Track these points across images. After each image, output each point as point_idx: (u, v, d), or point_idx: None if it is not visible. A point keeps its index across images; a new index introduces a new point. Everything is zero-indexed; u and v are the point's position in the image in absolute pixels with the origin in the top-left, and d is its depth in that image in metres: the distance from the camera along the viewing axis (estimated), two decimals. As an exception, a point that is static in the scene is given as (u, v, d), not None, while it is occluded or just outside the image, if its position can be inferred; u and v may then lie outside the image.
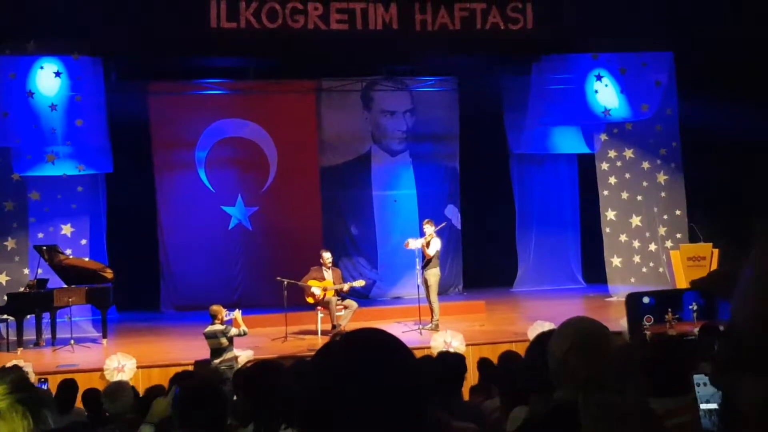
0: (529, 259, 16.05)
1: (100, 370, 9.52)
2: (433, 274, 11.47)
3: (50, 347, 11.32)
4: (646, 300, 5.18)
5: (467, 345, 10.08)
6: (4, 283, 12.17)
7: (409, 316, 12.28)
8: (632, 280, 13.99)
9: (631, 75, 13.69)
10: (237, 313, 9.62)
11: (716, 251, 12.50)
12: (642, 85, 13.68)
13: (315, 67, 14.48)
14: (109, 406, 5.74)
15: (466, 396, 5.79)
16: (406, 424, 1.35)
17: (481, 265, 15.57)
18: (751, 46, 12.44)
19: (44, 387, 7.61)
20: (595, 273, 15.13)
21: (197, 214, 14.70)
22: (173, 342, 11.68)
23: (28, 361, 9.49)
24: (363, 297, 14.13)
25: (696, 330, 4.90)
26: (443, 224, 11.69)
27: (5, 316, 11.31)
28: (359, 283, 12.07)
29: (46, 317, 11.57)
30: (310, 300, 11.50)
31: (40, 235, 12.29)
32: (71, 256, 12.01)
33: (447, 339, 10.16)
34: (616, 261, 14.14)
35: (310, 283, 11.48)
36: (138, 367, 9.61)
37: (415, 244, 11.56)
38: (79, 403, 6.69)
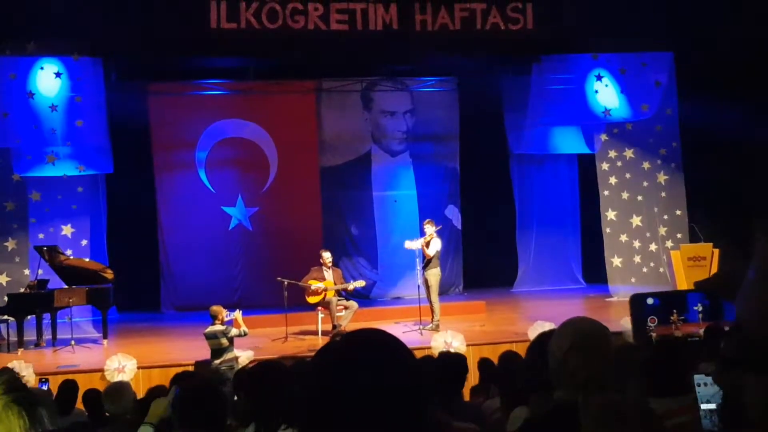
0: (529, 260, 16.05)
1: (101, 370, 9.52)
2: (434, 275, 11.47)
3: (51, 348, 11.32)
4: (650, 301, 5.19)
5: (467, 345, 10.08)
6: (4, 283, 12.17)
7: (409, 317, 12.28)
8: (633, 280, 13.99)
9: (631, 75, 13.69)
10: (237, 314, 9.62)
11: (716, 251, 12.50)
12: (642, 85, 13.68)
13: (315, 68, 14.49)
14: (109, 406, 5.75)
15: (466, 396, 5.80)
16: (406, 424, 1.36)
17: (482, 266, 15.57)
18: (751, 46, 12.43)
19: (45, 387, 7.61)
20: (595, 273, 15.13)
21: (197, 215, 14.70)
22: (174, 342, 11.68)
23: (28, 362, 9.50)
24: (363, 297, 14.13)
25: (701, 331, 4.90)
26: (439, 227, 11.65)
27: (6, 317, 11.31)
28: (359, 283, 12.07)
29: (47, 318, 11.57)
30: (310, 300, 11.50)
31: (41, 236, 12.29)
32: (72, 257, 12.01)
33: (447, 339, 10.16)
34: (617, 261, 14.14)
35: (311, 282, 11.48)
36: (138, 368, 9.61)
37: (413, 244, 11.55)
38: (79, 404, 6.68)
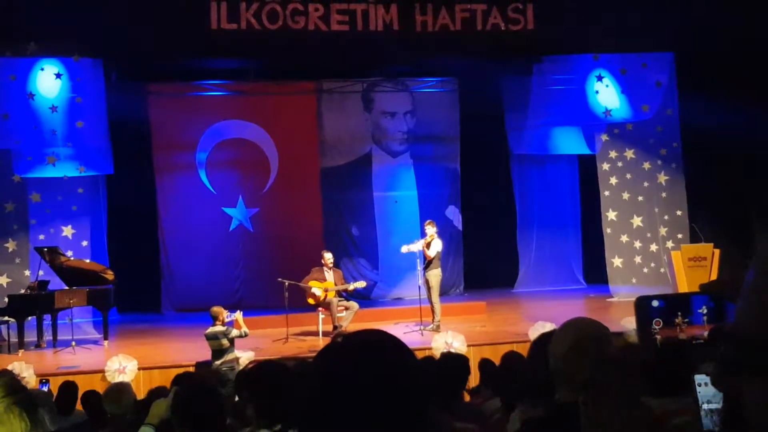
0: (530, 260, 16.05)
1: (102, 371, 9.53)
2: (435, 275, 11.47)
3: (51, 349, 11.32)
4: (655, 303, 5.19)
5: (468, 346, 10.08)
6: (5, 284, 12.17)
7: (410, 317, 12.28)
8: (633, 280, 13.99)
9: (632, 75, 13.69)
10: (238, 315, 9.62)
11: (717, 251, 12.50)
12: (642, 85, 13.68)
13: (316, 68, 14.48)
14: (110, 407, 5.75)
15: (466, 397, 5.79)
16: (407, 424, 1.35)
17: (482, 266, 15.56)
18: (752, 46, 12.43)
19: (45, 388, 7.62)
20: (596, 273, 15.13)
21: (198, 216, 14.70)
22: (174, 343, 11.68)
23: (29, 363, 9.50)
24: (364, 298, 14.13)
25: (706, 333, 4.90)
26: (434, 234, 11.58)
27: (6, 318, 11.30)
28: (360, 284, 12.07)
29: (47, 319, 11.57)
30: (311, 301, 11.50)
31: (41, 237, 12.30)
32: (72, 258, 12.01)
33: (448, 340, 10.16)
34: (617, 261, 14.14)
35: (311, 284, 11.48)
36: (139, 369, 9.61)
37: (411, 247, 11.54)
38: (79, 405, 6.69)
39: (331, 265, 11.74)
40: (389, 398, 1.34)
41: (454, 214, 15.75)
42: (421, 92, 15.55)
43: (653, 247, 14.10)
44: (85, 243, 12.75)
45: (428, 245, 11.42)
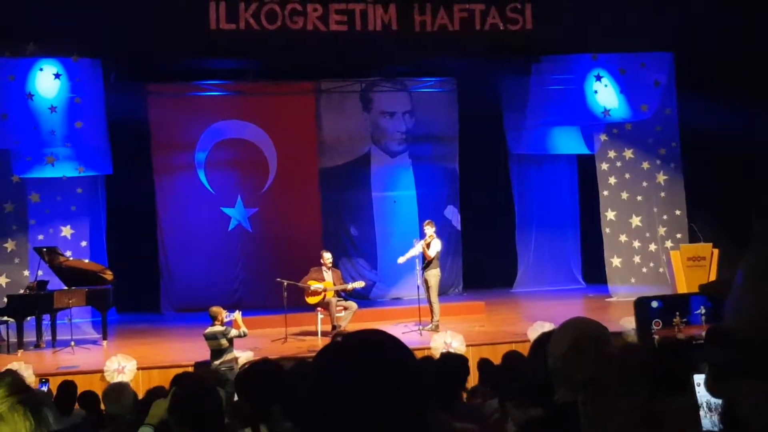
0: (528, 260, 16.05)
1: (101, 371, 9.52)
2: (434, 275, 11.47)
3: (50, 349, 11.32)
4: (654, 304, 5.19)
5: (467, 345, 10.08)
6: (4, 284, 12.16)
7: (409, 317, 12.28)
8: (632, 280, 13.99)
9: (631, 75, 13.70)
10: (237, 315, 9.62)
11: (716, 251, 12.50)
12: (641, 85, 13.69)
13: (314, 69, 14.48)
14: (109, 407, 5.75)
15: (466, 396, 5.79)
16: (406, 425, 1.36)
17: (481, 266, 15.56)
18: (751, 45, 12.44)
19: (45, 388, 7.61)
20: (595, 273, 15.13)
21: (197, 216, 14.69)
22: (173, 343, 11.68)
23: (28, 363, 9.50)
24: (363, 298, 14.12)
25: (704, 333, 4.91)
26: (433, 234, 11.57)
27: (5, 318, 11.30)
28: (359, 284, 12.07)
29: (47, 319, 11.56)
30: (310, 301, 11.50)
31: (40, 237, 12.30)
32: (71, 258, 12.00)
33: (447, 340, 10.17)
34: (616, 261, 14.14)
35: (310, 283, 11.48)
36: (138, 369, 9.61)
37: (413, 251, 11.53)
38: (78, 405, 6.69)
39: (330, 265, 11.74)
40: (389, 398, 1.35)
41: (452, 214, 15.75)
42: (419, 92, 15.56)
43: (652, 247, 14.10)
44: (84, 243, 12.75)
45: (428, 245, 11.42)
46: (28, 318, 11.26)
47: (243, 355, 9.38)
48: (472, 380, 6.74)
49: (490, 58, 13.77)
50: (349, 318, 11.32)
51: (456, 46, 13.13)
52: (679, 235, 13.90)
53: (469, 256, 15.78)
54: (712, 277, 12.14)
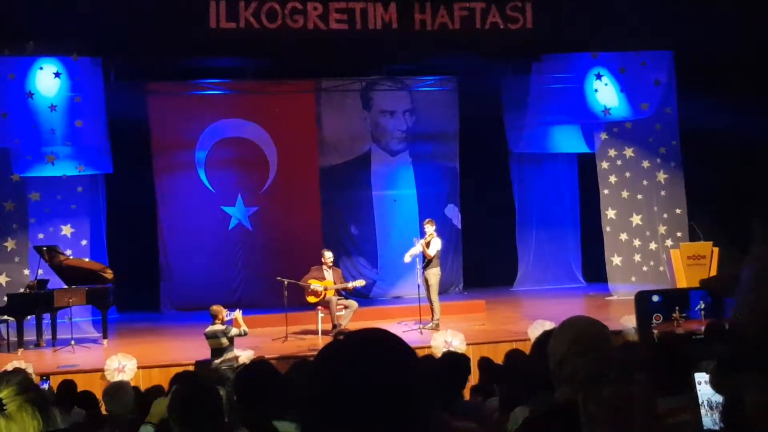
0: (529, 259, 16.06)
1: (101, 370, 9.52)
2: (434, 274, 11.47)
3: (51, 348, 11.32)
4: (655, 298, 5.20)
5: (467, 344, 10.08)
6: (4, 283, 12.17)
7: (409, 316, 12.28)
8: (633, 279, 13.99)
9: (631, 74, 13.70)
10: (237, 313, 9.63)
11: (716, 249, 12.51)
12: (641, 84, 13.69)
13: (314, 67, 14.47)
14: (109, 406, 5.75)
15: (466, 395, 5.80)
16: (408, 423, 1.36)
17: (482, 265, 15.58)
18: (751, 44, 12.44)
19: (45, 386, 7.62)
20: (595, 272, 15.14)
21: (197, 215, 14.69)
22: (174, 342, 11.69)
23: (28, 362, 9.49)
24: (363, 297, 14.12)
25: (703, 328, 4.91)
26: (433, 233, 11.56)
27: (5, 317, 11.31)
28: (359, 282, 12.07)
29: (47, 318, 11.57)
30: (310, 299, 11.50)
31: (41, 236, 12.29)
32: (71, 257, 12.01)
33: (447, 338, 10.16)
34: (617, 260, 14.14)
35: (311, 282, 11.48)
36: (138, 368, 9.61)
37: (414, 250, 11.53)
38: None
39: (330, 264, 11.73)
40: (390, 397, 1.35)
41: (453, 212, 15.75)
42: (420, 91, 15.55)
43: (652, 246, 14.10)
44: (84, 242, 12.75)
45: (428, 244, 11.42)
46: (29, 317, 11.26)
47: (243, 354, 9.38)
48: (473, 379, 6.75)
49: (490, 56, 13.77)
50: (350, 317, 11.32)
51: (456, 45, 13.12)
52: (679, 234, 13.90)
53: (469, 254, 15.78)
54: (713, 275, 12.15)
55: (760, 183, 12.23)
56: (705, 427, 2.85)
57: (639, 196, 14.18)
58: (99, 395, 6.73)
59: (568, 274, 16.10)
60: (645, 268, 14.06)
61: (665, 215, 14.11)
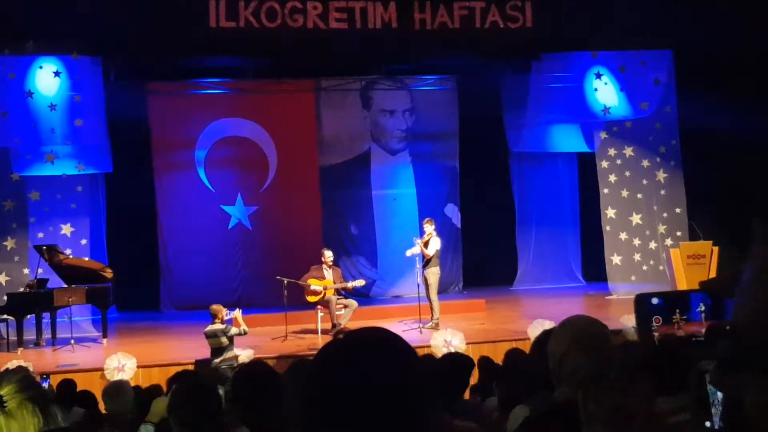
0: (529, 258, 16.06)
1: (101, 369, 9.52)
2: (433, 273, 11.47)
3: (50, 347, 11.32)
4: (655, 301, 5.21)
5: (467, 344, 10.08)
6: (4, 283, 12.16)
7: (409, 315, 12.28)
8: (632, 278, 13.99)
9: (631, 73, 13.70)
10: (237, 313, 9.63)
11: (716, 249, 12.51)
12: (641, 83, 13.69)
13: (314, 67, 14.47)
14: (109, 405, 5.75)
15: (466, 395, 5.80)
16: (408, 423, 1.35)
17: (481, 264, 15.58)
18: (751, 43, 12.44)
19: (45, 384, 7.62)
20: (595, 271, 15.14)
21: (197, 214, 14.69)
22: (173, 341, 11.69)
23: (28, 361, 9.48)
24: (363, 296, 14.11)
25: (703, 330, 4.91)
26: (432, 232, 11.56)
27: (5, 316, 11.30)
28: (359, 282, 12.06)
29: (46, 317, 11.56)
30: (310, 299, 11.49)
31: (40, 235, 12.29)
32: (71, 256, 12.01)
33: (447, 338, 10.16)
34: (616, 259, 14.14)
35: (310, 281, 11.48)
36: (138, 367, 9.60)
37: (414, 250, 11.52)
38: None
39: (330, 263, 11.73)
40: (390, 397, 1.34)
41: (452, 212, 15.75)
42: (419, 90, 15.55)
43: (652, 245, 14.11)
44: (84, 241, 12.75)
45: (426, 244, 11.42)
46: (28, 316, 11.26)
47: (243, 354, 9.38)
48: (472, 378, 6.75)
49: (490, 56, 13.78)
50: (349, 316, 11.32)
51: (456, 45, 13.13)
52: (679, 233, 13.90)
53: (469, 254, 15.78)
54: (712, 275, 12.16)
55: (760, 182, 12.23)
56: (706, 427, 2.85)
57: (639, 196, 14.18)
58: (99, 394, 6.73)
59: (567, 273, 16.10)
60: (645, 268, 14.07)
61: (665, 214, 14.11)
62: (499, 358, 7.15)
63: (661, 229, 14.10)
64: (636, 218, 14.17)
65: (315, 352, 1.49)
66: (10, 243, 12.28)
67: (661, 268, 13.93)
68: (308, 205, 14.93)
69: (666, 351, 3.41)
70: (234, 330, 9.38)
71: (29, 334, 11.34)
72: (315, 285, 11.41)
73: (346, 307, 11.44)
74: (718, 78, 12.73)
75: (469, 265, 15.84)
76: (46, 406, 1.88)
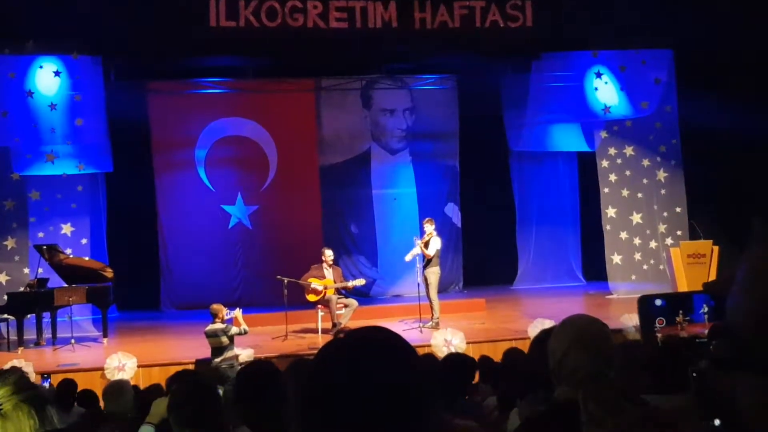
0: (529, 257, 16.06)
1: (101, 369, 9.52)
2: (434, 273, 11.47)
3: (51, 346, 11.32)
4: (658, 302, 5.21)
5: (467, 343, 10.09)
6: (4, 282, 12.17)
7: (409, 314, 12.28)
8: (633, 277, 13.99)
9: (631, 72, 13.69)
10: (237, 312, 9.64)
11: (716, 248, 12.50)
12: (642, 82, 13.69)
13: (314, 66, 14.47)
14: (109, 405, 5.75)
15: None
16: (408, 422, 1.35)
17: (482, 263, 15.58)
18: (751, 43, 12.43)
19: (46, 384, 7.63)
20: (595, 270, 15.14)
21: (197, 213, 14.69)
22: (174, 341, 11.69)
23: (28, 361, 9.50)
24: (363, 295, 14.12)
25: (706, 331, 4.91)
26: (432, 232, 11.56)
27: (6, 316, 11.31)
28: (359, 281, 12.06)
29: (47, 316, 11.57)
30: (310, 298, 11.49)
31: (41, 235, 12.30)
32: (71, 256, 12.01)
33: (447, 337, 10.16)
34: (617, 258, 14.14)
35: (311, 281, 11.48)
36: (139, 366, 9.61)
37: (415, 251, 11.52)
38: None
39: (331, 262, 11.73)
40: (390, 396, 1.34)
41: (453, 211, 15.75)
42: (420, 89, 15.54)
43: (652, 244, 14.10)
44: (84, 241, 12.76)
45: (426, 244, 11.41)
46: (29, 316, 11.26)
47: (244, 353, 9.39)
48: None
49: (490, 55, 13.77)
50: (350, 315, 11.32)
51: (456, 44, 13.12)
52: (679, 232, 13.90)
53: (469, 253, 15.78)
54: (712, 275, 12.16)
55: (760, 182, 12.23)
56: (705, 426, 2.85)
57: (639, 195, 14.18)
58: (99, 394, 6.73)
59: (568, 272, 16.10)
60: (645, 267, 14.06)
61: (665, 214, 14.11)
62: (499, 358, 7.15)
63: (662, 228, 14.10)
64: (636, 217, 14.17)
65: (315, 351, 1.49)
66: (10, 242, 12.28)
67: (661, 267, 13.93)
68: (308, 205, 14.94)
69: (669, 352, 3.42)
70: (234, 329, 9.38)
71: (30, 334, 11.34)
72: (315, 284, 11.41)
73: (346, 306, 11.44)
74: (719, 77, 12.73)
75: (470, 265, 15.84)
76: (42, 408, 1.87)
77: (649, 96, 13.71)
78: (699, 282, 11.27)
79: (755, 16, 12.13)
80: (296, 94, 15.08)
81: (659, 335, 4.94)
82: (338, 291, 11.57)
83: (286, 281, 11.34)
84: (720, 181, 13.19)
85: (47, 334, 11.56)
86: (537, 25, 13.19)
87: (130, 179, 13.59)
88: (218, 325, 9.29)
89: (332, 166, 15.26)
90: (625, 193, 14.18)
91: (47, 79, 11.99)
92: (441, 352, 9.32)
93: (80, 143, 12.23)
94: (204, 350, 9.52)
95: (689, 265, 12.45)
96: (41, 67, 11.98)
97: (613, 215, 14.19)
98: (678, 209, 14.06)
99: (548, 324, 8.16)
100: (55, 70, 12.00)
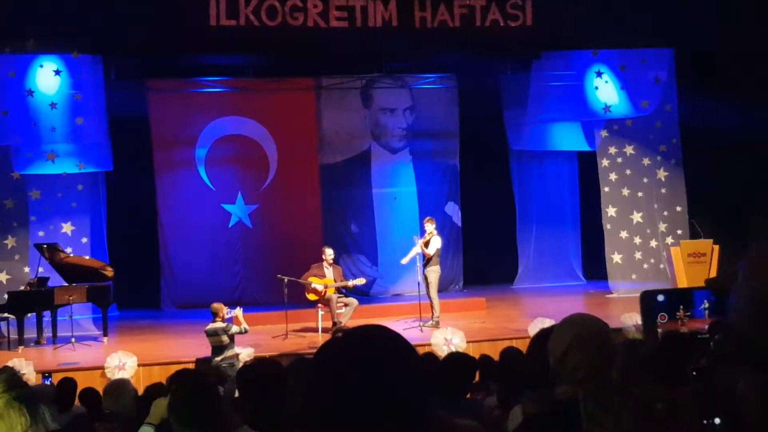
0: (529, 256, 16.06)
1: (101, 368, 9.52)
2: (434, 271, 11.48)
3: (51, 345, 11.32)
4: (660, 298, 5.23)
5: (468, 342, 10.09)
6: (4, 281, 12.16)
7: (409, 314, 12.29)
8: (633, 276, 13.99)
9: (631, 71, 13.68)
10: (238, 311, 9.64)
11: (717, 247, 12.51)
12: (642, 81, 13.68)
13: (314, 65, 14.47)
14: (109, 404, 5.75)
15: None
16: (408, 421, 1.36)
17: (482, 262, 15.58)
18: (751, 42, 12.43)
19: (48, 382, 7.63)
20: (595, 269, 15.13)
21: (197, 212, 14.69)
22: (174, 340, 11.69)
23: (29, 360, 9.50)
24: (363, 294, 14.12)
25: (707, 327, 4.93)
26: (432, 231, 11.56)
27: (6, 315, 11.31)
28: (359, 281, 12.07)
29: (47, 316, 11.56)
30: (311, 297, 11.50)
31: (41, 234, 12.30)
32: (72, 255, 12.01)
33: (447, 336, 10.17)
34: (617, 257, 14.14)
35: (311, 279, 11.48)
36: (139, 365, 9.61)
37: (414, 251, 11.52)
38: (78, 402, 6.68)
39: (331, 261, 11.73)
40: (390, 394, 1.35)
41: (453, 210, 15.74)
42: (420, 88, 15.54)
43: (653, 243, 14.10)
44: (84, 240, 12.76)
45: (427, 243, 11.41)
46: (29, 315, 11.26)
47: (244, 352, 9.39)
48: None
49: (490, 54, 13.75)
50: (350, 314, 11.32)
51: (456, 43, 13.12)
52: (679, 232, 13.90)
53: (469, 252, 15.78)
54: (713, 273, 12.16)
55: (760, 181, 12.24)
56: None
57: (639, 194, 14.18)
58: (100, 393, 6.73)
59: (568, 271, 16.10)
60: (645, 266, 14.06)
61: (665, 213, 14.11)
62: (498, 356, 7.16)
63: (662, 227, 14.10)
64: (637, 216, 14.16)
65: (315, 350, 1.49)
66: (10, 241, 12.28)
67: (661, 266, 13.93)
68: (308, 204, 14.94)
69: (669, 347, 3.42)
70: (235, 328, 9.38)
71: (30, 333, 11.34)
72: (316, 283, 11.42)
73: (346, 305, 11.45)
74: (719, 76, 12.73)
75: (470, 264, 15.83)
76: (34, 406, 1.87)
77: (650, 95, 13.70)
78: (699, 281, 11.27)
79: (755, 16, 12.13)
80: (296, 93, 15.08)
81: (660, 330, 4.96)
82: (338, 290, 11.58)
83: (286, 280, 11.34)
84: (720, 180, 13.19)
85: (47, 333, 11.56)
86: (537, 24, 13.19)
87: (130, 178, 13.58)
88: (219, 324, 9.29)
89: (332, 165, 15.26)
90: (625, 192, 14.18)
91: (47, 78, 11.98)
92: (441, 351, 9.32)
93: (80, 142, 12.22)
94: (204, 349, 9.53)
95: (689, 264, 12.46)
96: (41, 66, 11.97)
97: (614, 214, 14.19)
98: (678, 208, 14.07)
99: (548, 323, 8.16)
100: (55, 69, 11.99)
